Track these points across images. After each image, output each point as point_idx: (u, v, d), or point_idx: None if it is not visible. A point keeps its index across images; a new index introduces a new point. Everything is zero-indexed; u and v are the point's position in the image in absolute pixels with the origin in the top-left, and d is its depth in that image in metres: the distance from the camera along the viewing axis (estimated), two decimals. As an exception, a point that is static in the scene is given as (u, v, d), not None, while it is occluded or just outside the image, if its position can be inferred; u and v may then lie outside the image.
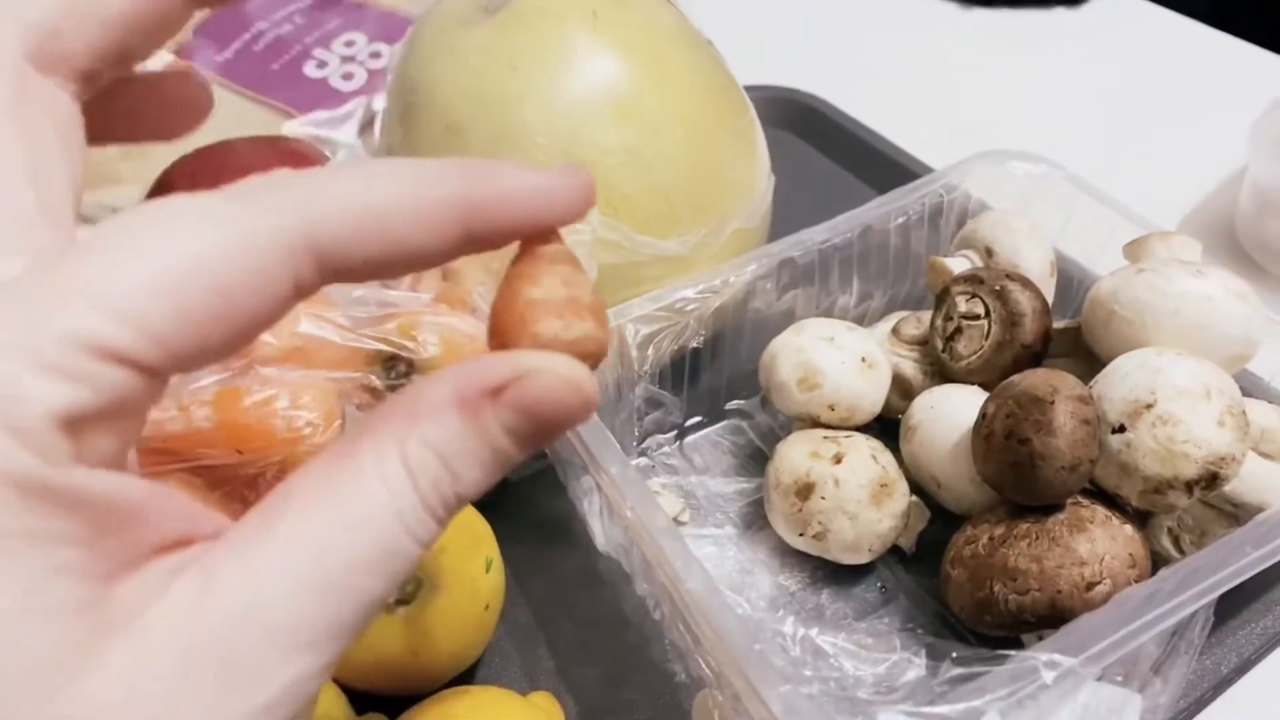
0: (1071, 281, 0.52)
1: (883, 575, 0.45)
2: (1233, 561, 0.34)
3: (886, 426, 0.48)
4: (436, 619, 0.37)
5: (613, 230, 0.42)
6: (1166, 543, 0.41)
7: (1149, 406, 0.37)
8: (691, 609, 0.32)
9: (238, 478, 0.34)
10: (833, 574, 0.45)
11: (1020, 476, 0.38)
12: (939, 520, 0.45)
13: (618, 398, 0.45)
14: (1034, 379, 0.39)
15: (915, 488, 0.45)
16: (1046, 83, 0.79)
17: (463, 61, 0.42)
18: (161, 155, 0.51)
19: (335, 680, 0.37)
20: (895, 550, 0.45)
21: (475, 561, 0.39)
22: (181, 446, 0.32)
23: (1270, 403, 0.44)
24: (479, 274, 0.40)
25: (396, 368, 0.36)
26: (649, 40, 0.43)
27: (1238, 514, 0.40)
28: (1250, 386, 0.45)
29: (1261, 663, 0.41)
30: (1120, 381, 0.38)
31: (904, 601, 0.44)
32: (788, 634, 0.33)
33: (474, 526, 0.40)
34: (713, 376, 0.50)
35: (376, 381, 0.36)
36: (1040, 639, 0.41)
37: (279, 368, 0.34)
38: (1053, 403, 0.37)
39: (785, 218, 0.52)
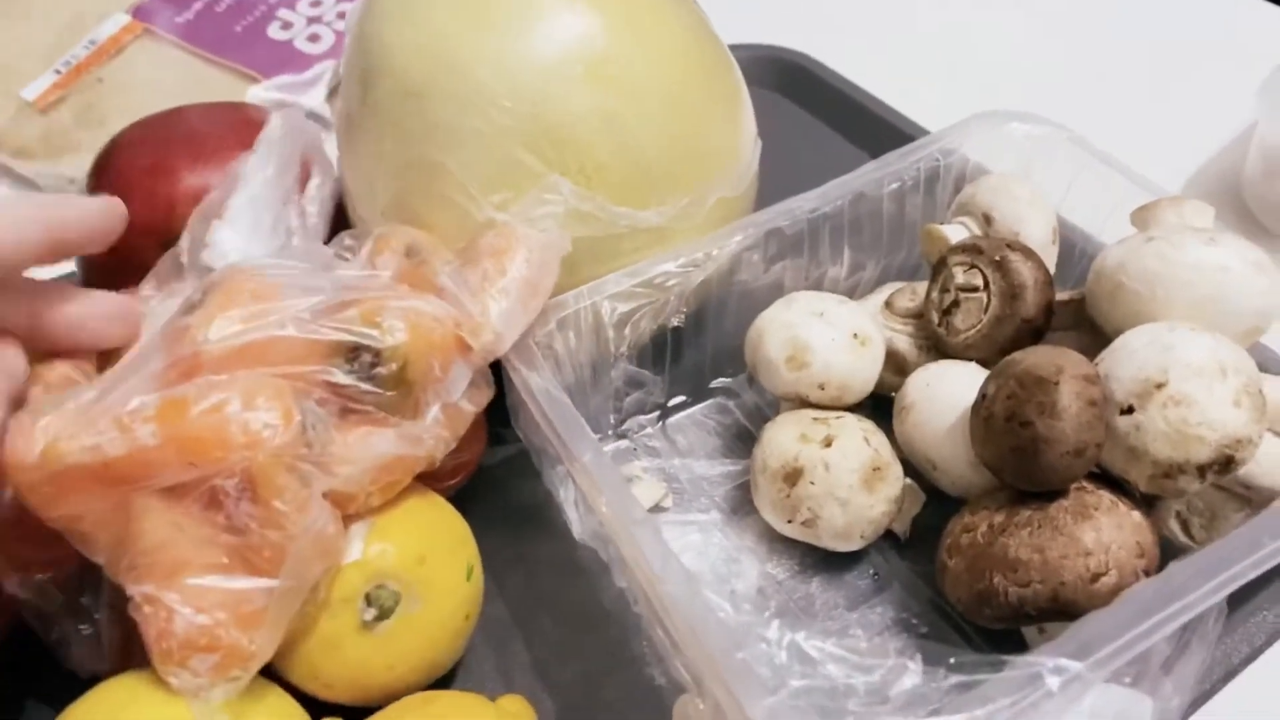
0: (1074, 250, 0.49)
1: (875, 562, 0.43)
2: (1249, 554, 0.32)
3: (880, 405, 0.45)
4: (415, 633, 0.35)
5: (586, 201, 0.39)
6: (1175, 527, 0.39)
7: (1160, 386, 0.34)
8: (670, 612, 0.30)
9: (199, 492, 0.31)
10: (823, 561, 0.43)
11: (1022, 462, 0.35)
12: (934, 503, 0.43)
13: (593, 380, 0.42)
14: (1037, 356, 0.36)
15: (909, 469, 0.43)
16: (1047, 41, 0.76)
17: (422, 21, 0.39)
18: (119, 124, 0.48)
19: (297, 689, 0.34)
20: (888, 535, 0.43)
21: (456, 569, 0.36)
22: (127, 470, 0.29)
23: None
24: (445, 253, 0.38)
25: (360, 359, 0.33)
26: (626, -5, 0.40)
27: (1250, 496, 0.38)
28: (1264, 360, 0.43)
29: (1269, 650, 0.38)
30: (1129, 359, 0.36)
31: (898, 589, 0.42)
32: (773, 639, 0.31)
33: (455, 528, 0.38)
34: (696, 354, 0.48)
35: (340, 375, 0.33)
36: (1041, 631, 0.39)
37: (230, 372, 0.32)
38: (1057, 383, 0.35)
39: (773, 184, 0.49)
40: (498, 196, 0.39)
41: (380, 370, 0.33)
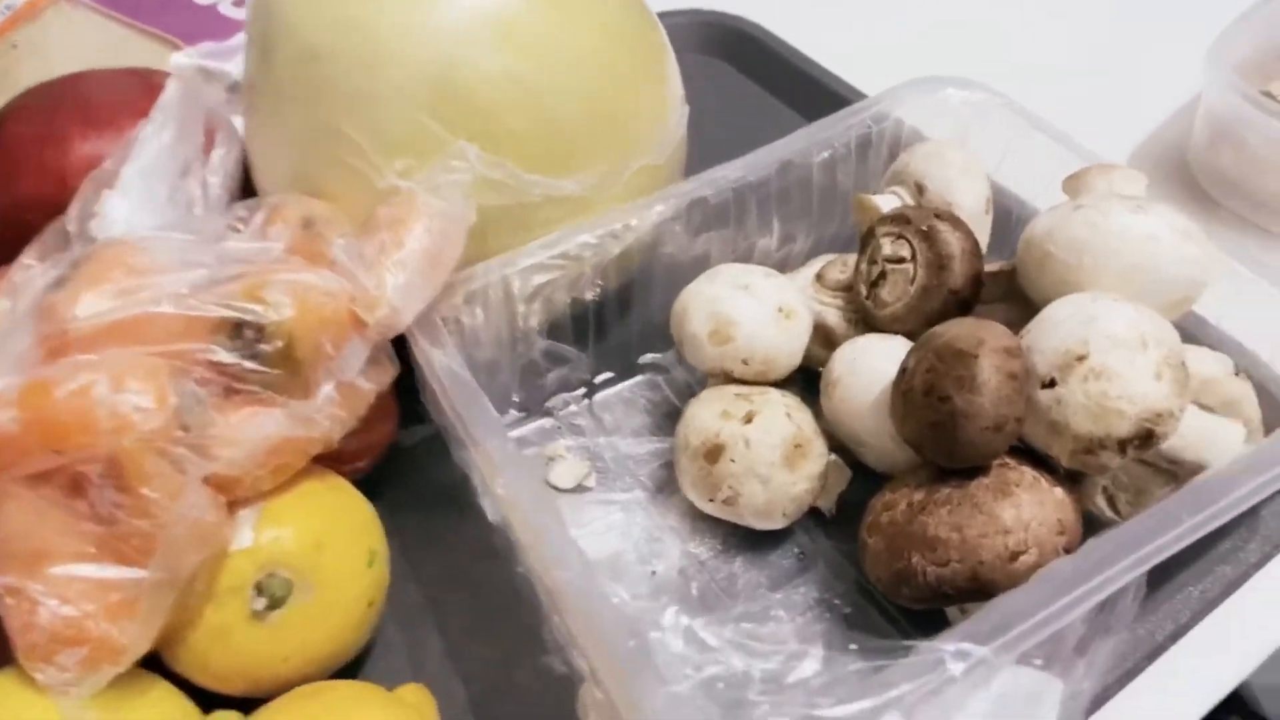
0: (1010, 218, 0.48)
1: (800, 540, 0.42)
2: (1166, 530, 0.31)
3: (811, 379, 0.44)
4: (311, 622, 0.33)
5: (495, 168, 0.37)
6: (1101, 503, 0.38)
7: (1081, 358, 0.33)
8: (564, 600, 0.28)
9: (64, 478, 0.29)
10: (747, 539, 0.41)
11: (941, 437, 0.34)
12: (861, 479, 0.42)
13: (508, 356, 0.41)
14: (958, 329, 0.35)
15: (837, 445, 0.42)
16: (997, 6, 0.74)
17: (319, -23, 0.37)
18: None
19: (188, 681, 0.33)
20: (814, 513, 0.42)
21: (356, 556, 0.35)
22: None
23: (1214, 349, 0.40)
24: (343, 224, 0.36)
25: (244, 335, 0.32)
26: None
27: (1176, 471, 0.37)
28: (1195, 329, 0.42)
29: (1196, 628, 0.38)
30: (1052, 330, 0.35)
31: (822, 569, 0.40)
32: (668, 625, 0.29)
33: (356, 515, 0.36)
34: (623, 329, 0.46)
35: (223, 354, 0.31)
36: (963, 611, 0.38)
37: (100, 351, 0.30)
38: (977, 356, 0.34)
39: (710, 150, 0.47)
40: (401, 164, 0.37)
41: (265, 348, 0.32)
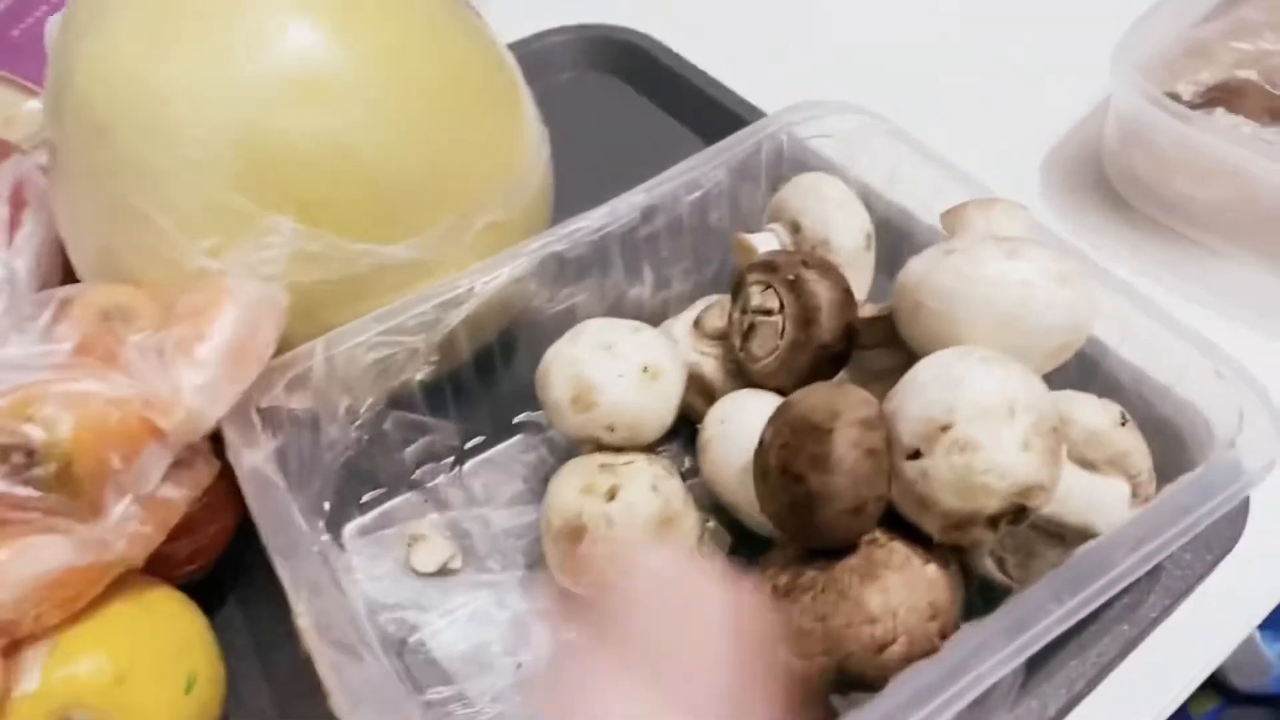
0: (903, 246, 0.45)
1: (683, 615, 0.39)
2: (1039, 618, 0.28)
3: (694, 433, 0.41)
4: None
5: (314, 240, 0.34)
6: (990, 566, 0.36)
7: (945, 428, 0.31)
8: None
9: None
10: (625, 619, 0.39)
11: (799, 519, 0.31)
12: (745, 543, 0.39)
13: (334, 440, 0.37)
14: (813, 400, 0.32)
15: (718, 507, 0.39)
16: (904, 17, 0.71)
17: (105, 39, 0.34)
18: None
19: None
20: (698, 584, 0.39)
21: (172, 683, 0.32)
22: None
23: (1113, 378, 0.38)
24: (147, 315, 0.33)
25: (11, 460, 0.28)
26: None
27: (1063, 534, 0.34)
28: (1095, 356, 0.39)
29: (1091, 695, 0.35)
30: (916, 395, 0.32)
31: (702, 648, 0.38)
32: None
33: (176, 632, 0.33)
34: (491, 390, 0.43)
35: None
36: (844, 696, 0.35)
37: None
38: (831, 430, 0.31)
39: (606, 176, 0.44)
40: (208, 242, 0.33)
41: (39, 471, 0.29)
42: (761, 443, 0.33)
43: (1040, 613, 0.29)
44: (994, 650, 0.28)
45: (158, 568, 0.34)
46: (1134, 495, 0.35)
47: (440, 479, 0.43)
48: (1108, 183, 0.56)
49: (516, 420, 0.45)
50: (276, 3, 0.33)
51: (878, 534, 0.33)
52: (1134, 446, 0.35)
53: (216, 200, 0.33)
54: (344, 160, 0.34)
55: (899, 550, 0.32)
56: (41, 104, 0.41)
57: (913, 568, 0.32)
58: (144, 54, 0.33)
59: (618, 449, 0.39)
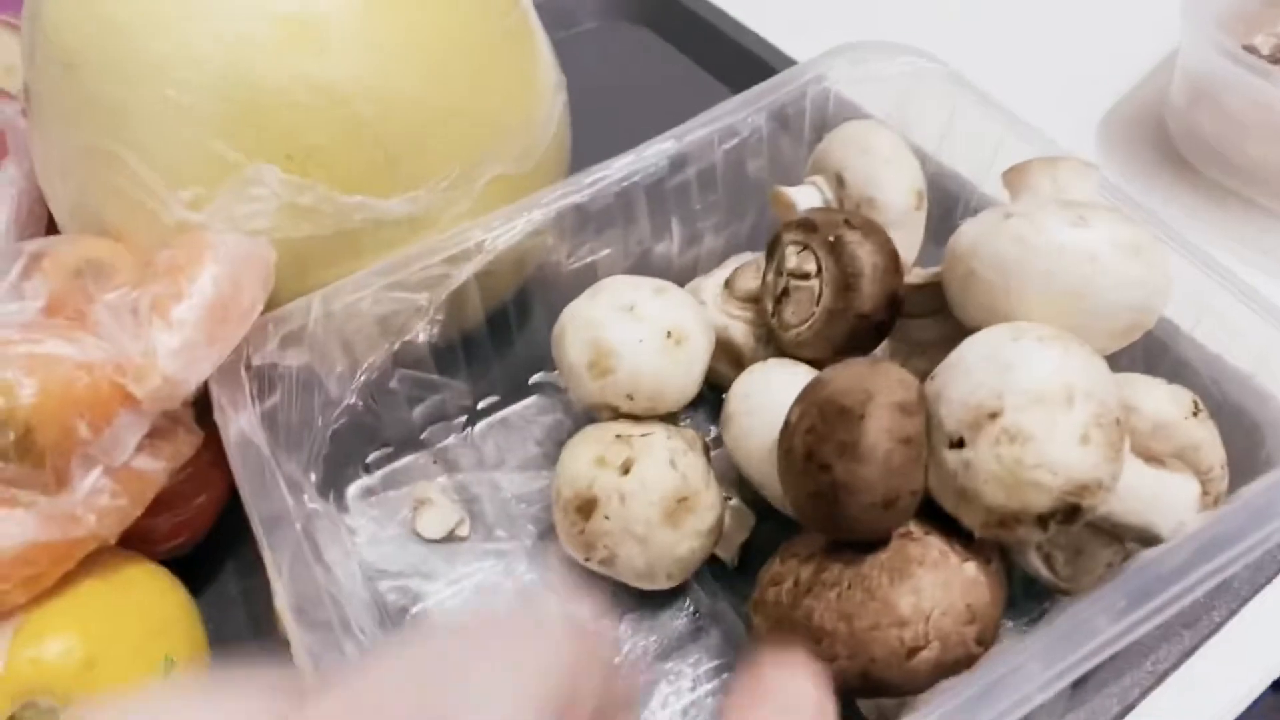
0: (957, 206, 0.41)
1: (697, 596, 0.37)
2: (1087, 639, 0.25)
3: (720, 401, 0.38)
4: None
5: (304, 192, 0.31)
6: (1037, 562, 0.33)
7: (993, 416, 0.27)
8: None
9: None
10: (635, 596, 0.36)
11: (822, 511, 0.29)
12: (772, 521, 0.37)
13: (336, 399, 0.35)
14: (845, 379, 0.29)
15: (743, 482, 0.37)
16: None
17: (81, -34, 0.31)
18: None
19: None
20: (717, 562, 0.37)
21: (145, 665, 0.30)
22: None
23: (1183, 366, 0.34)
24: (124, 270, 0.30)
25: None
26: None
27: (1120, 534, 0.31)
28: (1166, 339, 0.35)
29: (1143, 702, 0.32)
30: (962, 378, 0.29)
31: (717, 633, 0.35)
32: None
33: (154, 612, 0.31)
34: (505, 349, 0.41)
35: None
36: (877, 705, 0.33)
37: None
38: (863, 416, 0.28)
39: (635, 130, 0.40)
40: (188, 193, 0.31)
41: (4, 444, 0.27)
42: (787, 424, 0.30)
43: (1092, 631, 0.26)
44: (1037, 674, 0.25)
45: (137, 543, 0.32)
46: (1204, 493, 0.31)
47: (450, 439, 0.41)
48: (1171, 144, 0.51)
49: (533, 381, 0.42)
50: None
51: (912, 526, 0.30)
52: (1206, 439, 0.31)
53: (197, 146, 0.31)
54: (338, 107, 0.31)
55: (934, 546, 0.29)
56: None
57: (949, 566, 0.29)
58: (119, -20, 0.30)
59: (637, 418, 0.36)
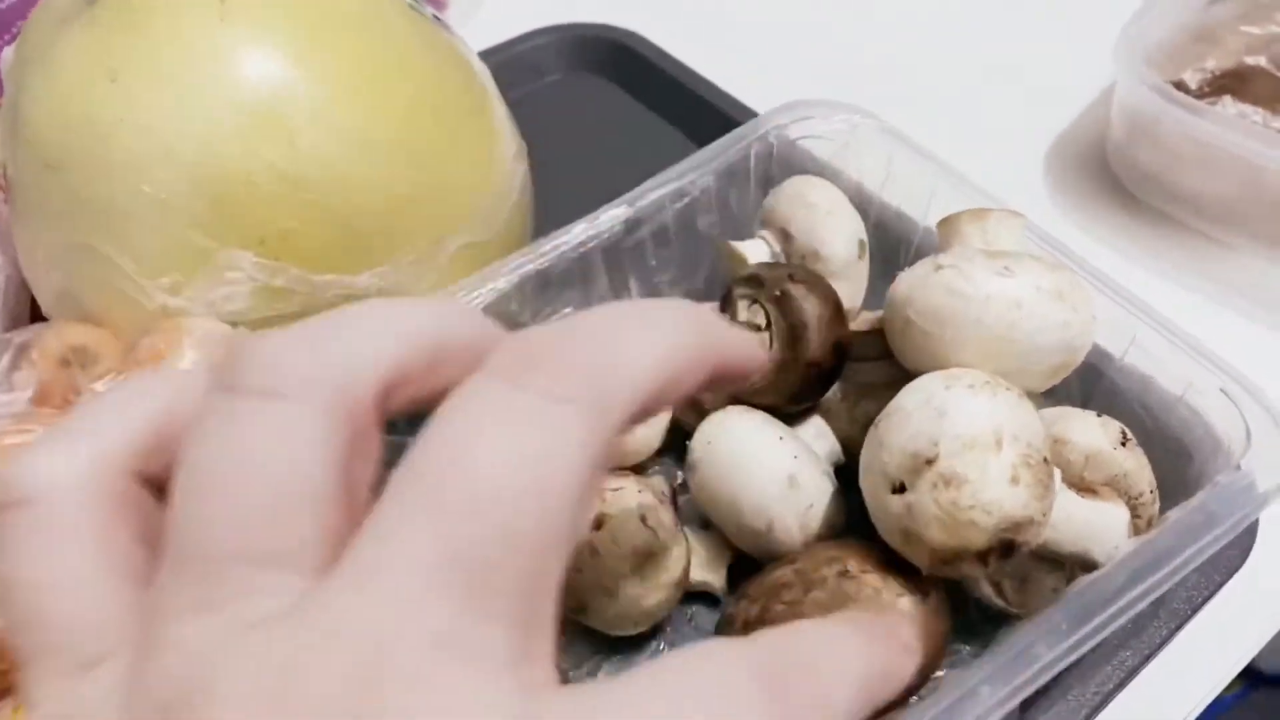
0: (900, 251, 0.44)
1: (682, 629, 0.38)
2: (1026, 666, 0.27)
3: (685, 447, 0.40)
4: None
5: (277, 274, 0.33)
6: (989, 591, 0.35)
7: (930, 462, 0.29)
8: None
9: None
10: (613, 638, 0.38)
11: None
12: (738, 565, 0.38)
13: None
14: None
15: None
16: (901, 16, 0.67)
17: (56, 73, 0.33)
18: None
19: None
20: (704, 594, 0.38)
21: None
22: None
23: (1115, 391, 0.36)
24: (111, 357, 0.32)
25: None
26: (306, 24, 0.34)
27: (1062, 561, 0.33)
28: (1099, 365, 0.37)
29: (1096, 723, 0.34)
30: (901, 425, 0.31)
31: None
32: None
33: None
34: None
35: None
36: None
37: None
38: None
39: (601, 180, 0.43)
40: (167, 279, 0.33)
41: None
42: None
43: (1030, 659, 0.27)
44: (981, 700, 0.27)
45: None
46: (1136, 517, 0.33)
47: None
48: (1113, 175, 0.54)
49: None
50: (231, 32, 0.32)
51: (850, 565, 0.32)
52: (1135, 467, 0.33)
53: (174, 237, 0.32)
54: (306, 192, 0.33)
55: (869, 583, 0.31)
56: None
57: (881, 601, 0.31)
58: (92, 90, 0.32)
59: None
